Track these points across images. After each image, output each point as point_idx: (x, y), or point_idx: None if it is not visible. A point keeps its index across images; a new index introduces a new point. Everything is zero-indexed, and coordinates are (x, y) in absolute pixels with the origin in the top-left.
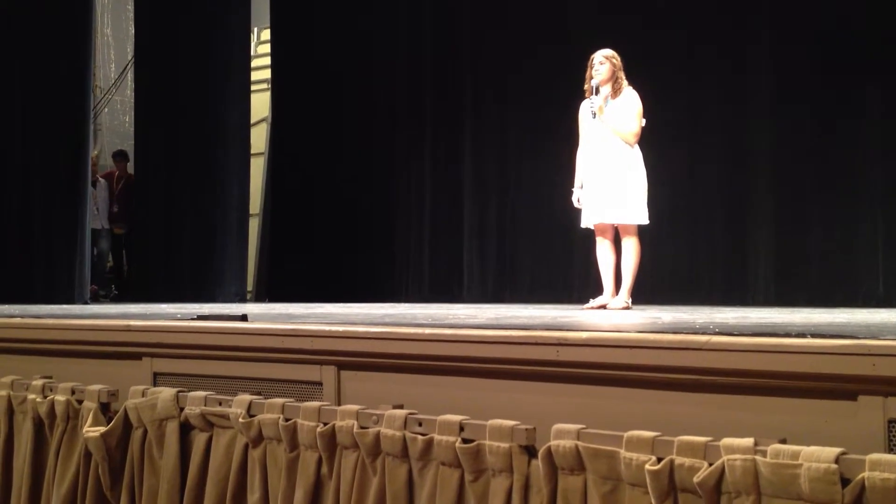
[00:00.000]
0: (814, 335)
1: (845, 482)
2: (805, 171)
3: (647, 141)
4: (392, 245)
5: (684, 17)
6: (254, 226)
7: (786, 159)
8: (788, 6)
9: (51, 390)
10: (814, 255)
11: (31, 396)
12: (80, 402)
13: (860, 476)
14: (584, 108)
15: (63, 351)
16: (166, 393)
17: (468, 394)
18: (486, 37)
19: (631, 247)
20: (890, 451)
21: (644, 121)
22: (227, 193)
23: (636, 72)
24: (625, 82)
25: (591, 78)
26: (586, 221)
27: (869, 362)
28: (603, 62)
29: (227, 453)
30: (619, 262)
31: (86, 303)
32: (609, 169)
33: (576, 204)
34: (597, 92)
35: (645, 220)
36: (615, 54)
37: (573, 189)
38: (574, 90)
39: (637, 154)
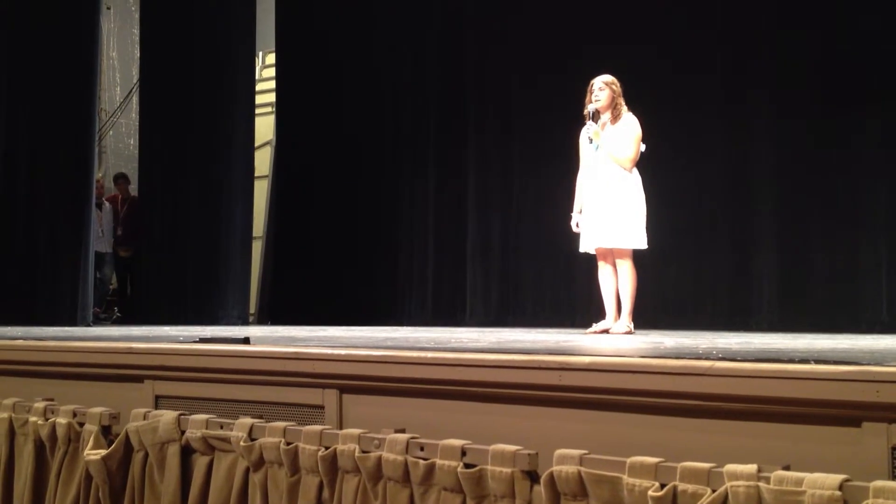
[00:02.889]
0: (817, 361)
1: None
2: (808, 197)
3: (650, 166)
4: (395, 269)
5: (687, 41)
6: (257, 248)
7: (789, 185)
8: (790, 32)
9: (52, 413)
10: (817, 280)
11: (32, 419)
12: (81, 424)
13: (864, 503)
14: (584, 134)
15: (65, 373)
16: (168, 416)
17: (470, 418)
18: (491, 60)
19: (626, 271)
20: (894, 478)
21: (644, 146)
22: (231, 216)
23: (639, 96)
24: (624, 108)
25: (590, 103)
26: (584, 246)
27: (872, 389)
28: (603, 88)
29: (228, 477)
30: (618, 286)
31: (88, 325)
32: (606, 194)
33: (574, 229)
34: (595, 117)
35: (642, 245)
36: (615, 80)
37: (572, 214)
38: (578, 113)
39: (635, 179)
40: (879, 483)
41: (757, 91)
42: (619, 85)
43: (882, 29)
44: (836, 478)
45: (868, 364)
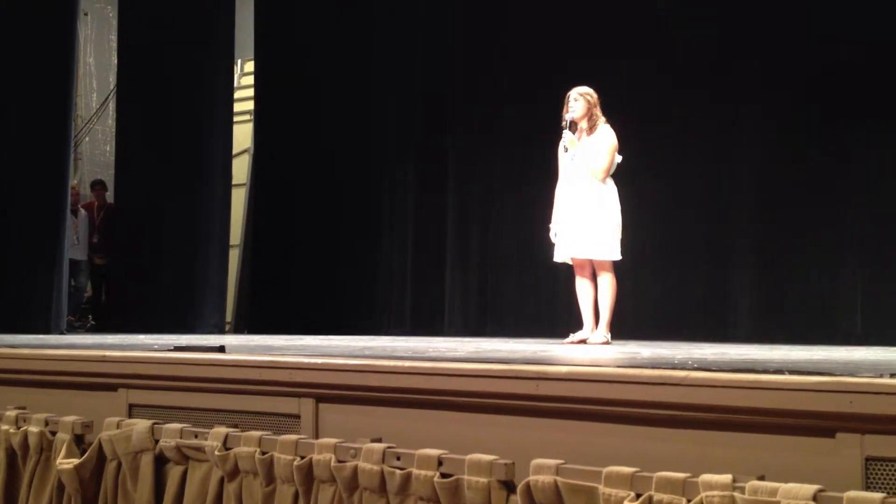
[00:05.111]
0: (791, 372)
1: None
2: (785, 210)
3: (629, 177)
4: (373, 278)
5: (669, 55)
6: (234, 257)
7: (766, 197)
8: (775, 49)
9: (24, 421)
10: (793, 292)
11: (3, 427)
12: (53, 433)
13: None
14: (561, 144)
15: (37, 381)
16: (141, 425)
17: (447, 428)
18: (473, 70)
19: (606, 282)
20: (868, 488)
21: (620, 157)
22: (208, 224)
23: (619, 108)
24: (601, 119)
25: (566, 113)
26: (558, 256)
27: (846, 399)
28: (577, 99)
29: (202, 487)
30: (597, 297)
31: (62, 333)
32: (580, 205)
33: (552, 239)
34: (572, 128)
35: (616, 256)
36: (591, 91)
37: (549, 225)
38: (557, 125)
39: (610, 189)
40: (853, 493)
41: (737, 105)
42: (595, 96)
43: (861, 51)
44: (811, 488)
45: (842, 375)
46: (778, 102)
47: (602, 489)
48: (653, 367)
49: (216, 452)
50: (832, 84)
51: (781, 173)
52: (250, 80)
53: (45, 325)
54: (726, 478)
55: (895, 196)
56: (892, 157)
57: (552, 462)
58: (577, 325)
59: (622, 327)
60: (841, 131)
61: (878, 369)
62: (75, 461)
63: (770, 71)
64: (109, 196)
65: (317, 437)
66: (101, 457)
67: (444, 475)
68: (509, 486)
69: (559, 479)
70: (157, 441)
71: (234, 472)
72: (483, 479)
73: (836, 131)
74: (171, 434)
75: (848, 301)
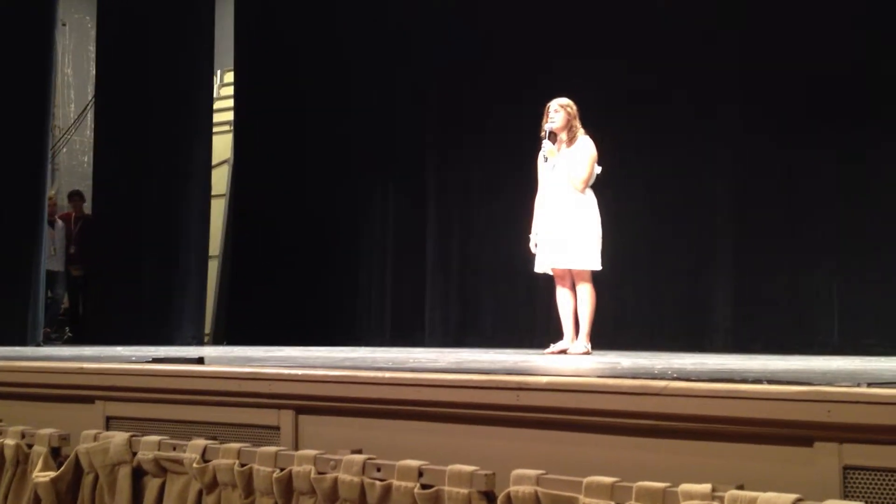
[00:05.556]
0: (770, 381)
1: None
2: (764, 220)
3: (608, 187)
4: (354, 289)
5: (647, 66)
6: (213, 268)
7: (745, 207)
8: (754, 54)
9: (0, 434)
10: (771, 302)
11: None
12: (30, 446)
13: None
14: (541, 155)
15: (13, 394)
16: (119, 437)
17: (428, 438)
18: (452, 82)
19: (585, 292)
20: (845, 497)
21: (599, 168)
22: (187, 235)
23: (597, 118)
24: (580, 130)
25: (546, 124)
26: (539, 267)
27: (824, 409)
28: (558, 110)
29: (180, 500)
30: (578, 307)
31: (38, 345)
32: (561, 215)
33: (532, 249)
34: (552, 138)
35: (597, 266)
36: (571, 103)
37: (530, 235)
38: (537, 135)
39: (590, 200)
40: (831, 502)
41: (717, 114)
42: (574, 108)
43: (840, 59)
44: (789, 497)
45: (820, 384)
46: (754, 113)
47: (582, 499)
48: (633, 378)
49: (194, 465)
50: (810, 92)
51: (758, 184)
52: (230, 90)
53: (21, 337)
54: (706, 487)
55: (872, 205)
56: (866, 167)
57: (533, 472)
58: (557, 335)
59: (602, 337)
60: (817, 141)
61: (855, 379)
62: (52, 474)
63: (750, 76)
64: (87, 207)
65: (296, 448)
66: (77, 470)
67: (424, 486)
68: (490, 497)
69: (540, 489)
70: (134, 453)
71: (213, 485)
72: (463, 490)
73: (812, 141)
74: (149, 446)
75: (825, 311)
